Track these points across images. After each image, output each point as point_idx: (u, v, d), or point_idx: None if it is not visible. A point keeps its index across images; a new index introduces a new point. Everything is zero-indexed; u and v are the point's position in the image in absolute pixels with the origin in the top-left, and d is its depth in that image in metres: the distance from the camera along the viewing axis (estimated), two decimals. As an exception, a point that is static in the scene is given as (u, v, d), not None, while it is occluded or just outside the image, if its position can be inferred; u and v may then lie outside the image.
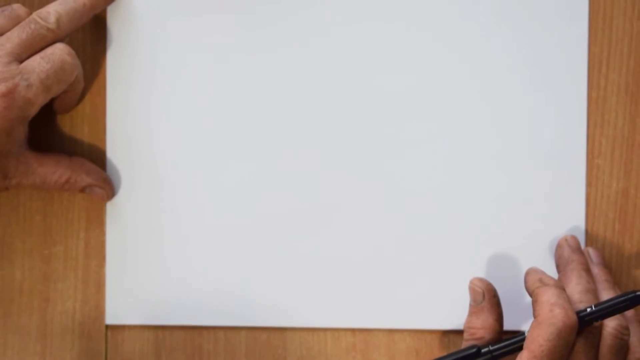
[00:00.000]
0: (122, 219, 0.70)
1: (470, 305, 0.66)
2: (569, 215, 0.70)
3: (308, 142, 0.70)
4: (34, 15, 0.65)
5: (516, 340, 0.63)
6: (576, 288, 0.65)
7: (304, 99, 0.70)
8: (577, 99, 0.70)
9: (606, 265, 0.69)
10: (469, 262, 0.70)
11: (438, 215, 0.70)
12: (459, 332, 0.70)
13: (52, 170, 0.67)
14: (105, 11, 0.70)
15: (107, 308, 0.70)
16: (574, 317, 0.61)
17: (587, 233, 0.70)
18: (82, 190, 0.69)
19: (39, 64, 0.64)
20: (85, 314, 0.70)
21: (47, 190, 0.70)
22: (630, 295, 0.62)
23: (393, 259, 0.70)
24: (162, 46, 0.70)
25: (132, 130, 0.70)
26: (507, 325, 0.67)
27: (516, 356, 0.62)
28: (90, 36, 0.70)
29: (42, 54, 0.65)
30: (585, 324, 0.62)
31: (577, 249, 0.68)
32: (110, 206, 0.70)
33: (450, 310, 0.69)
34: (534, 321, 0.62)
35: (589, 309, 0.62)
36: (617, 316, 0.63)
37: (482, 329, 0.65)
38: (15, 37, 0.65)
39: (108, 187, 0.69)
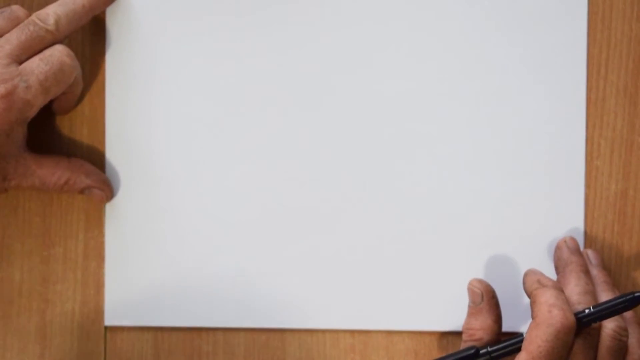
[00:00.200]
0: (121, 220, 0.70)
1: (469, 307, 0.66)
2: (568, 216, 0.70)
3: (306, 144, 0.70)
4: (33, 16, 0.65)
5: (514, 341, 0.63)
6: (575, 289, 0.65)
7: (303, 100, 0.70)
8: (576, 100, 0.70)
9: (605, 266, 0.69)
10: (467, 263, 0.70)
11: (437, 217, 0.70)
12: (457, 334, 0.70)
13: (51, 172, 0.67)
14: (104, 13, 0.70)
15: (106, 309, 0.70)
16: (572, 318, 0.61)
17: (586, 234, 0.70)
18: (81, 191, 0.69)
19: (38, 65, 0.64)
20: (84, 315, 0.70)
21: (46, 191, 0.70)
22: (628, 297, 0.62)
23: (392, 260, 0.70)
24: (161, 47, 0.70)
25: (131, 132, 0.70)
26: (506, 327, 0.67)
27: (514, 357, 0.62)
28: (89, 38, 0.70)
29: (41, 55, 0.65)
30: (584, 325, 0.62)
31: (576, 251, 0.68)
32: (110, 208, 0.70)
33: (449, 312, 0.69)
34: (533, 322, 0.62)
35: (587, 310, 0.62)
36: (616, 317, 0.63)
37: (480, 330, 0.65)
38: (14, 39, 0.65)
39: (107, 189, 0.69)
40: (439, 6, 0.70)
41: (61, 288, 0.70)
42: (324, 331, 0.70)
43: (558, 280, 0.67)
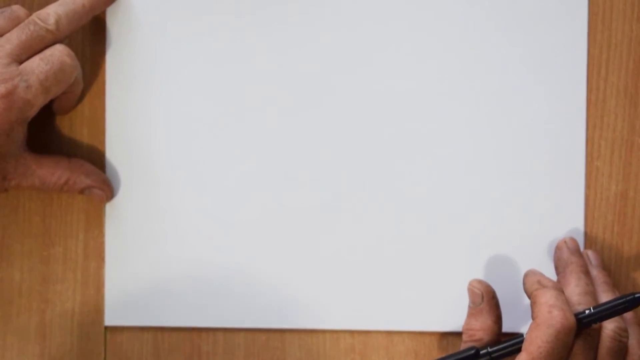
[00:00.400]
0: (121, 220, 0.70)
1: (469, 307, 0.66)
2: (568, 217, 0.70)
3: (306, 144, 0.70)
4: (34, 16, 0.65)
5: (515, 342, 0.63)
6: (575, 290, 0.65)
7: (303, 100, 0.70)
8: (577, 101, 0.70)
9: (605, 267, 0.69)
10: (467, 263, 0.70)
11: (437, 217, 0.70)
12: (457, 334, 0.70)
13: (51, 172, 0.67)
14: (104, 12, 0.70)
15: (106, 309, 0.70)
16: (573, 319, 0.61)
17: (586, 235, 0.70)
18: (81, 191, 0.69)
19: (38, 65, 0.64)
20: (84, 315, 0.70)
21: (46, 191, 0.70)
22: (629, 298, 0.62)
23: (392, 260, 0.70)
24: (161, 48, 0.70)
25: (131, 132, 0.70)
26: (506, 327, 0.67)
27: (515, 358, 0.62)
28: (89, 37, 0.70)
29: (41, 55, 0.65)
30: (584, 326, 0.62)
31: (576, 251, 0.68)
32: (110, 207, 0.70)
33: (449, 312, 0.69)
34: (533, 323, 0.62)
35: (587, 311, 0.62)
36: (616, 318, 0.63)
37: (480, 330, 0.65)
38: (14, 39, 0.65)
39: (107, 189, 0.69)
40: (439, 6, 0.70)
41: (61, 288, 0.70)
42: (324, 331, 0.70)
43: (558, 281, 0.67)
